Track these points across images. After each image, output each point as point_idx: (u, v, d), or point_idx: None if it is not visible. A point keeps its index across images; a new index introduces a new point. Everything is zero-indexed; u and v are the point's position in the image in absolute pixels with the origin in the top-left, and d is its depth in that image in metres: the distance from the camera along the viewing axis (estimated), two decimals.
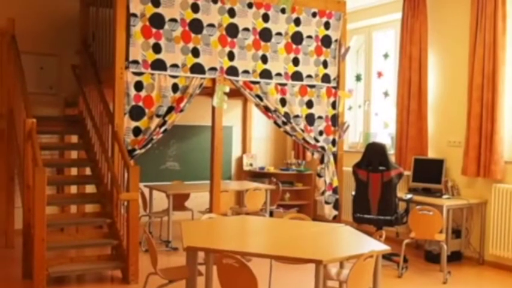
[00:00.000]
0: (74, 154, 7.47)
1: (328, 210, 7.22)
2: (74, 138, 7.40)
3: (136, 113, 6.05)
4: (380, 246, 3.90)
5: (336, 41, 7.28)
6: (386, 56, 8.08)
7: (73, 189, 7.33)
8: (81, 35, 7.51)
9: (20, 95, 6.08)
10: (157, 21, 6.13)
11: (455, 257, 6.51)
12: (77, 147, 7.26)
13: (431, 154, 7.10)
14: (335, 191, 7.23)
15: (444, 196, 6.49)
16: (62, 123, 7.32)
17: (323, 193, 7.21)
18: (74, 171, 7.40)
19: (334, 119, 7.30)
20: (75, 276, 5.67)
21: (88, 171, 6.84)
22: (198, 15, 6.36)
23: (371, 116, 8.42)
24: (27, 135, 5.49)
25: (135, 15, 6.00)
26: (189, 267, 4.24)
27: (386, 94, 8.07)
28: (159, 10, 6.13)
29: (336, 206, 7.24)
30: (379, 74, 8.23)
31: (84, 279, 5.64)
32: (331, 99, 7.28)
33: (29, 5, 7.53)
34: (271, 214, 7.95)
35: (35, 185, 5.07)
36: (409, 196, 6.55)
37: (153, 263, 4.17)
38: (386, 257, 6.17)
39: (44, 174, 5.04)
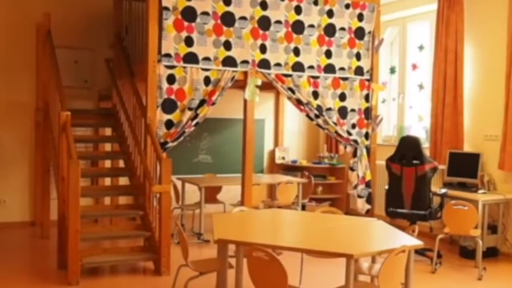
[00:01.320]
0: (107, 147, 7.57)
1: (361, 205, 7.15)
2: (108, 131, 7.50)
3: (169, 106, 6.09)
4: (412, 241, 3.85)
5: (369, 33, 7.18)
6: (421, 48, 7.94)
7: (107, 181, 7.44)
8: (115, 29, 7.58)
9: (55, 88, 6.17)
10: (189, 14, 6.14)
11: (491, 253, 6.37)
12: (111, 140, 7.36)
13: (467, 148, 6.95)
14: (368, 184, 7.16)
15: (480, 191, 6.35)
16: (96, 116, 7.42)
17: (356, 187, 7.15)
18: (107, 163, 7.50)
19: (367, 112, 7.22)
20: (109, 267, 5.75)
21: (121, 163, 6.92)
22: (230, 8, 6.35)
23: (405, 109, 8.28)
24: (62, 128, 5.57)
25: (167, 8, 6.02)
26: (219, 259, 4.25)
27: (421, 87, 7.93)
28: (191, 3, 6.14)
29: (369, 200, 7.17)
30: (414, 67, 8.09)
31: (117, 270, 5.71)
32: (364, 92, 7.19)
33: (64, 0, 7.64)
34: (303, 208, 7.92)
35: (69, 177, 5.15)
36: (443, 191, 6.44)
37: (185, 255, 4.20)
38: (420, 252, 6.08)
39: (78, 167, 5.11)
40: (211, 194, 7.49)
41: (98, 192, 6.83)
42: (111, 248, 6.02)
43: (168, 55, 6.05)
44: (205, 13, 6.22)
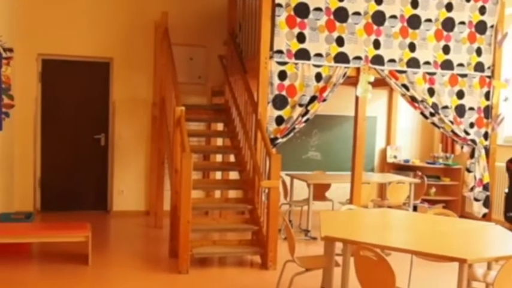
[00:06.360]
0: (219, 141, 7.76)
1: (477, 208, 6.81)
2: (220, 126, 7.69)
3: (280, 102, 6.12)
4: None
5: (492, 26, 6.79)
6: None
7: (217, 175, 7.61)
8: (229, 26, 7.73)
9: (171, 84, 6.39)
10: (302, 10, 6.13)
11: None
12: (222, 134, 7.52)
13: None
14: (486, 187, 6.79)
15: None
16: (208, 112, 7.62)
17: (472, 189, 6.81)
18: (218, 157, 7.68)
19: (487, 111, 6.84)
20: (217, 258, 5.89)
21: (232, 158, 7.05)
22: (344, 4, 6.26)
23: None
24: (177, 122, 5.76)
25: (280, 5, 6.05)
26: (326, 257, 4.21)
27: None
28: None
29: (486, 203, 6.80)
30: None
31: (225, 262, 5.84)
32: (485, 89, 6.82)
33: None
34: (414, 209, 7.66)
35: (182, 170, 5.32)
36: None
37: (291, 251, 4.19)
38: None
39: (190, 160, 5.27)
40: (319, 191, 7.45)
41: (209, 185, 7.01)
42: (219, 240, 6.17)
43: (280, 51, 6.07)
44: (318, 9, 6.18)
